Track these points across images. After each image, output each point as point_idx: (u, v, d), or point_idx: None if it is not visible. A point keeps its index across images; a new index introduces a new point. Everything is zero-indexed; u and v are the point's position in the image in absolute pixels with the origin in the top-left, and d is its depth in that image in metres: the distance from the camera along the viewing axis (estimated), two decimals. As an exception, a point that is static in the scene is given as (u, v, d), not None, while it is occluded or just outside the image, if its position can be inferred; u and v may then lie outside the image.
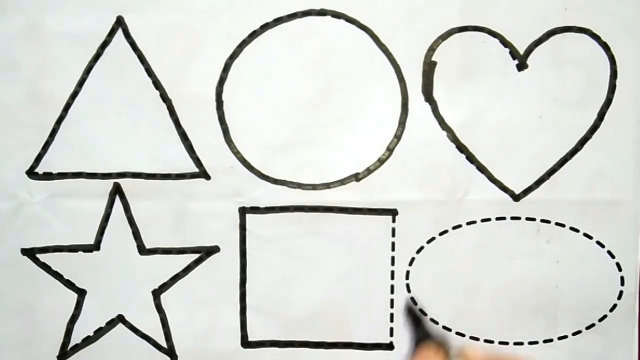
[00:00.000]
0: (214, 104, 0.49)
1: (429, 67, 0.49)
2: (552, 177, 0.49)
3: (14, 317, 0.51)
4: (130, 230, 0.50)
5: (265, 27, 0.49)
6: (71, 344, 0.51)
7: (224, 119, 0.49)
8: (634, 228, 0.49)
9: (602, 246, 0.50)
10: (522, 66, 0.49)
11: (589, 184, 0.49)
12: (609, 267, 0.50)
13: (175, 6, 0.48)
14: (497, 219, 0.50)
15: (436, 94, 0.49)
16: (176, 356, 0.51)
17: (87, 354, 0.51)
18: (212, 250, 0.50)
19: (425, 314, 0.50)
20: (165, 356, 0.51)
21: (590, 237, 0.50)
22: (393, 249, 0.50)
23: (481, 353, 0.45)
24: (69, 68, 0.49)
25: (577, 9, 0.48)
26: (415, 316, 0.47)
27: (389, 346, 0.50)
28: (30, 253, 0.51)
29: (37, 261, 0.51)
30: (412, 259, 0.50)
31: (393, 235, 0.50)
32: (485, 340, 0.50)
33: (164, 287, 0.51)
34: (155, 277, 0.51)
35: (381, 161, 0.49)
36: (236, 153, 0.50)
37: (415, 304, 0.50)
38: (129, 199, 0.50)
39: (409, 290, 0.50)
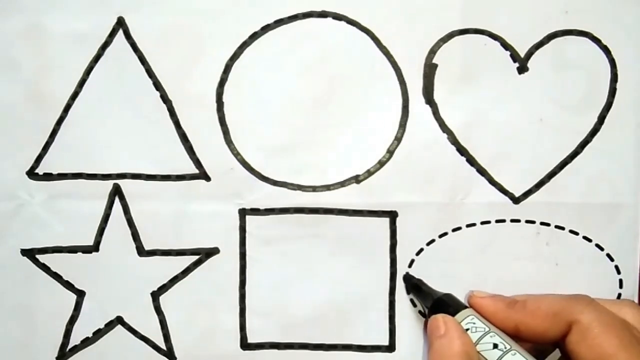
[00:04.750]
0: (215, 105, 0.49)
1: (429, 70, 0.49)
2: (552, 180, 0.49)
3: (13, 317, 0.51)
4: (129, 232, 0.50)
5: (266, 28, 0.49)
6: (70, 345, 0.51)
7: (225, 120, 0.49)
8: (633, 231, 0.49)
9: (602, 249, 0.50)
10: (522, 69, 0.49)
11: (589, 187, 0.49)
12: (608, 270, 0.50)
13: (177, 7, 0.48)
14: (497, 221, 0.50)
15: (437, 97, 0.49)
16: (175, 358, 0.51)
17: (86, 355, 0.51)
18: (211, 252, 0.50)
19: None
20: (164, 358, 0.51)
21: (590, 240, 0.50)
22: (393, 251, 0.50)
23: (490, 304, 0.44)
24: (70, 69, 0.49)
25: (578, 12, 0.48)
26: (416, 284, 0.48)
27: (389, 348, 0.50)
28: (30, 254, 0.50)
29: (36, 262, 0.50)
30: (412, 261, 0.50)
31: (393, 237, 0.50)
32: (485, 343, 0.50)
33: (163, 288, 0.51)
34: (155, 279, 0.51)
35: (381, 163, 0.49)
36: (236, 154, 0.50)
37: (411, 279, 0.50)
38: (129, 200, 0.50)
39: (408, 293, 0.50)
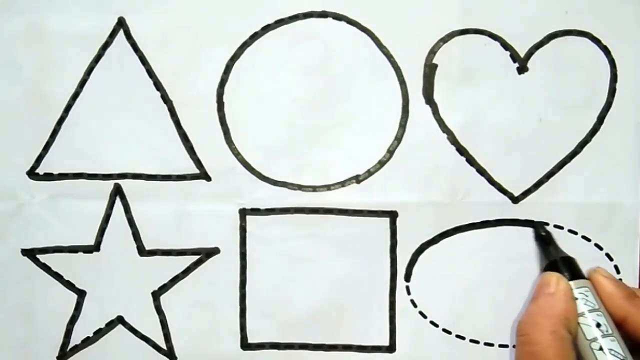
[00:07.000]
0: (215, 105, 0.49)
1: (429, 70, 0.49)
2: (551, 180, 0.49)
3: (14, 317, 0.51)
4: (130, 232, 0.50)
5: (266, 28, 0.49)
6: (71, 345, 0.51)
7: (225, 120, 0.49)
8: (632, 231, 0.49)
9: (601, 249, 0.50)
10: (522, 69, 0.49)
11: (588, 186, 0.49)
12: (608, 269, 0.50)
13: (177, 7, 0.48)
14: (496, 221, 0.50)
15: (437, 97, 0.49)
16: (175, 357, 0.51)
17: (87, 354, 0.51)
18: (212, 252, 0.50)
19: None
20: (165, 357, 0.51)
21: (589, 240, 0.50)
22: (393, 251, 0.50)
23: (610, 286, 0.44)
24: (70, 69, 0.49)
25: (577, 13, 0.48)
26: (544, 237, 0.47)
27: (389, 348, 0.50)
28: (30, 253, 0.51)
29: (37, 262, 0.51)
30: (412, 261, 0.50)
31: (393, 237, 0.50)
32: (485, 343, 0.50)
33: (164, 288, 0.51)
34: (155, 279, 0.51)
35: (381, 163, 0.49)
36: (237, 154, 0.50)
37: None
38: (129, 200, 0.50)
39: (408, 292, 0.50)
